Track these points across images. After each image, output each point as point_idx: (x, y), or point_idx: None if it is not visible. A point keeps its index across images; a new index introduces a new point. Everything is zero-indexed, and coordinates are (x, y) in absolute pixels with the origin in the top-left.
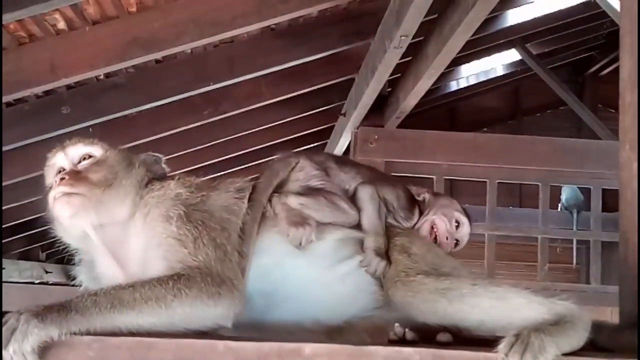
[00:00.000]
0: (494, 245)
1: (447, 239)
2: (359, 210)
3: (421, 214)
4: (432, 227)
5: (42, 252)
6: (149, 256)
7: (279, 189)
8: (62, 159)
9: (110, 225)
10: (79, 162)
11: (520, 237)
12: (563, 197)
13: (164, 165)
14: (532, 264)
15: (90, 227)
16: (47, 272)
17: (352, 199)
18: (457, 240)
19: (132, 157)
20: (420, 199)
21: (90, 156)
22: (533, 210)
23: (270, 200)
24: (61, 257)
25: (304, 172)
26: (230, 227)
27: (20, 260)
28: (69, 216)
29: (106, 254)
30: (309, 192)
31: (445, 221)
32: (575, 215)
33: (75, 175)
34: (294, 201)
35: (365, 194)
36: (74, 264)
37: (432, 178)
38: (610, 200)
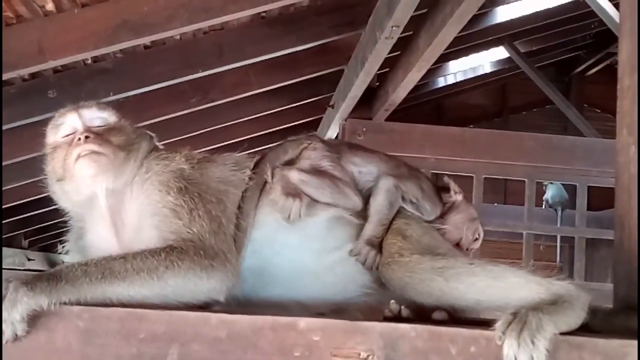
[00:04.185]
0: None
1: (467, 249)
2: (371, 196)
3: (444, 209)
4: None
5: (24, 239)
6: (142, 224)
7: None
8: (74, 119)
9: (117, 191)
10: (92, 125)
11: (504, 234)
12: (548, 194)
13: (157, 144)
14: (516, 261)
15: (103, 189)
16: (29, 259)
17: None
18: (468, 249)
19: (139, 129)
20: (451, 199)
21: (104, 121)
22: (518, 207)
23: (273, 172)
24: (44, 244)
25: (316, 152)
26: (226, 198)
27: (3, 247)
28: (92, 174)
29: (106, 219)
30: (314, 172)
31: (469, 234)
32: (559, 212)
33: (99, 137)
34: (295, 175)
35: (384, 184)
36: (56, 252)
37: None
38: (594, 199)
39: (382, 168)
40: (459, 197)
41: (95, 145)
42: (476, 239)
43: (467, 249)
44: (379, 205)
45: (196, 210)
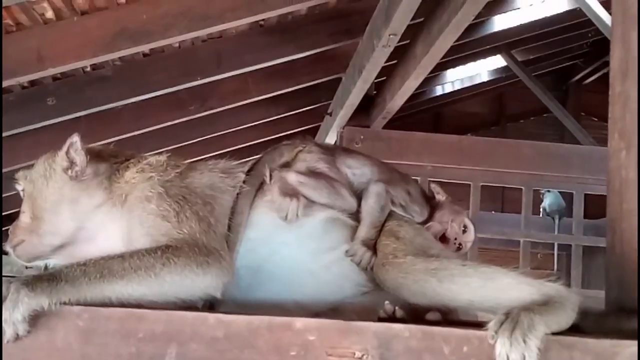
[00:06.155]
0: (476, 249)
1: (455, 239)
2: (362, 199)
3: (431, 211)
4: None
5: None
6: (132, 237)
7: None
8: None
9: (78, 230)
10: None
11: (501, 242)
12: (546, 202)
13: (78, 150)
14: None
15: (53, 251)
16: (27, 267)
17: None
18: (460, 244)
19: (51, 165)
20: (436, 198)
21: (22, 194)
22: (515, 215)
23: (271, 174)
24: None
25: (312, 155)
26: (214, 201)
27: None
28: (27, 262)
29: (88, 248)
30: (311, 173)
31: (455, 225)
32: (556, 220)
33: (14, 225)
34: (292, 177)
35: (374, 189)
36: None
37: (416, 180)
38: (591, 207)
39: (374, 170)
40: (442, 198)
41: (8, 243)
42: (464, 230)
43: (459, 244)
44: (370, 208)
45: (183, 213)
